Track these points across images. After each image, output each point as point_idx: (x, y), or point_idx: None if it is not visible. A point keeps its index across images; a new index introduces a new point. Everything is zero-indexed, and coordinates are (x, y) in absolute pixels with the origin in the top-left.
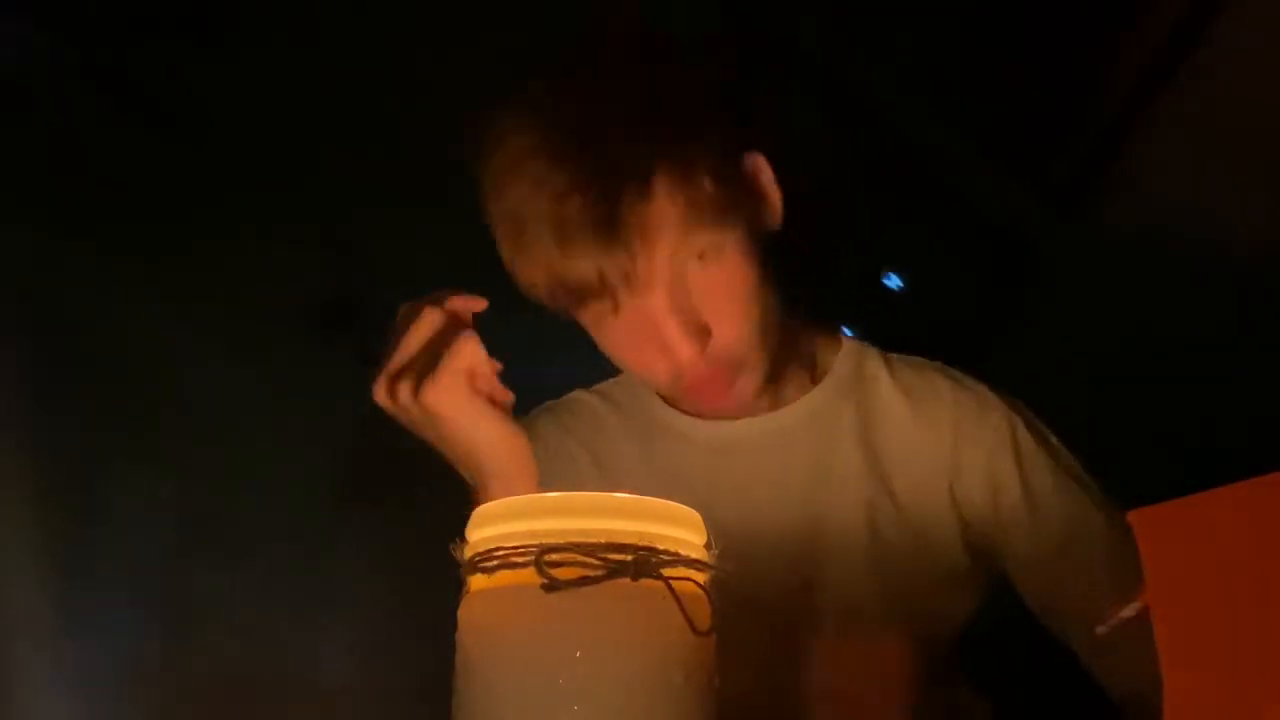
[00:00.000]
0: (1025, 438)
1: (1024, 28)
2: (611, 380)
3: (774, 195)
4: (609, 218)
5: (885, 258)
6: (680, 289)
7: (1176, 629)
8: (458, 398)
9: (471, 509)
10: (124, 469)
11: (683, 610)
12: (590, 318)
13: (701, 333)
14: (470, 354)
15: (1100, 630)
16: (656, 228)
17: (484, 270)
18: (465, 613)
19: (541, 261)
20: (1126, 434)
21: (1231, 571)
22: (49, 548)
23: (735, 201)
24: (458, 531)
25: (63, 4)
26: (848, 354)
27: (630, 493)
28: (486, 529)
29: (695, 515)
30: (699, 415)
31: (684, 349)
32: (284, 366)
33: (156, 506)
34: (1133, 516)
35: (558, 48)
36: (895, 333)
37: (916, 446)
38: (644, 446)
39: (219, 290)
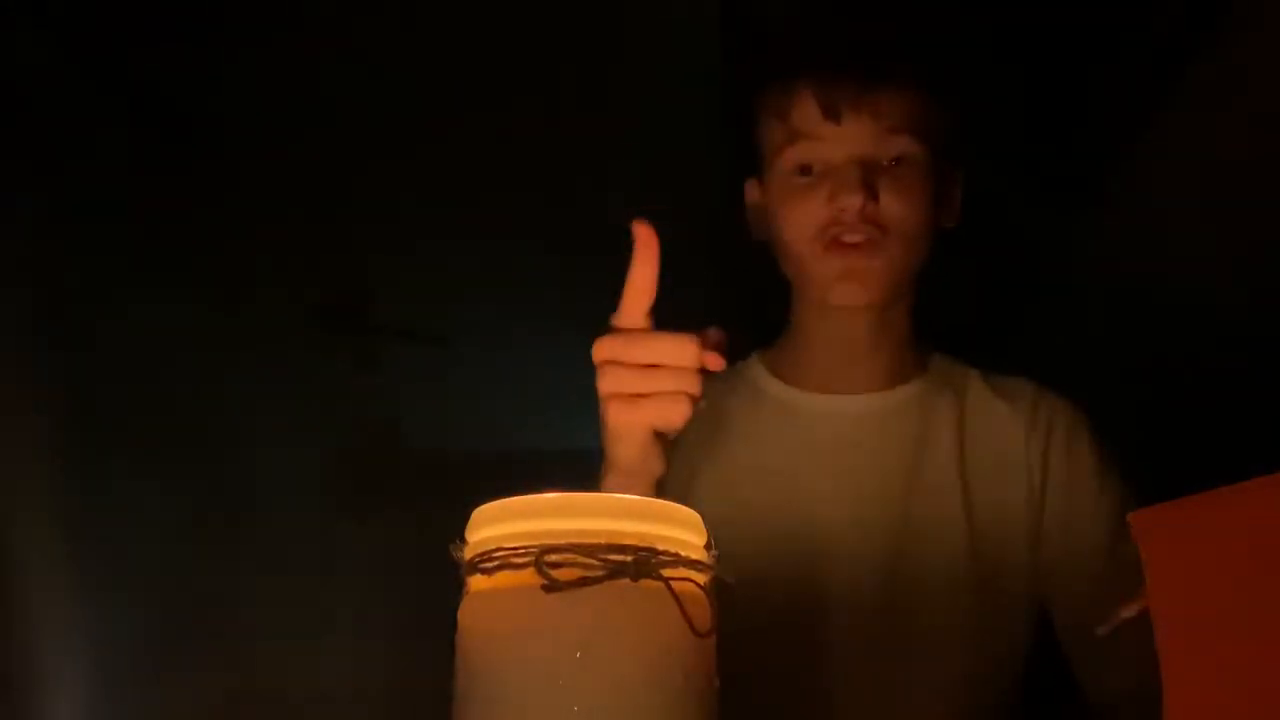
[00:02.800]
0: (1089, 441)
1: (1026, 28)
2: (725, 369)
3: (956, 201)
4: (872, 73)
5: None
6: (872, 164)
7: (1176, 629)
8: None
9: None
10: (124, 468)
11: (683, 611)
12: (785, 164)
13: (873, 192)
14: (611, 379)
15: (1101, 630)
16: (886, 111)
17: (484, 271)
18: (465, 614)
19: (804, 88)
20: (1127, 434)
21: (1231, 571)
22: (50, 547)
23: (940, 151)
24: (458, 532)
25: (63, 5)
26: (941, 358)
27: (737, 467)
28: (486, 530)
29: (695, 516)
30: (835, 296)
31: (855, 195)
32: (284, 367)
33: (158, 507)
34: (1133, 517)
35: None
36: (919, 330)
37: (1010, 438)
38: (757, 424)
39: (220, 291)
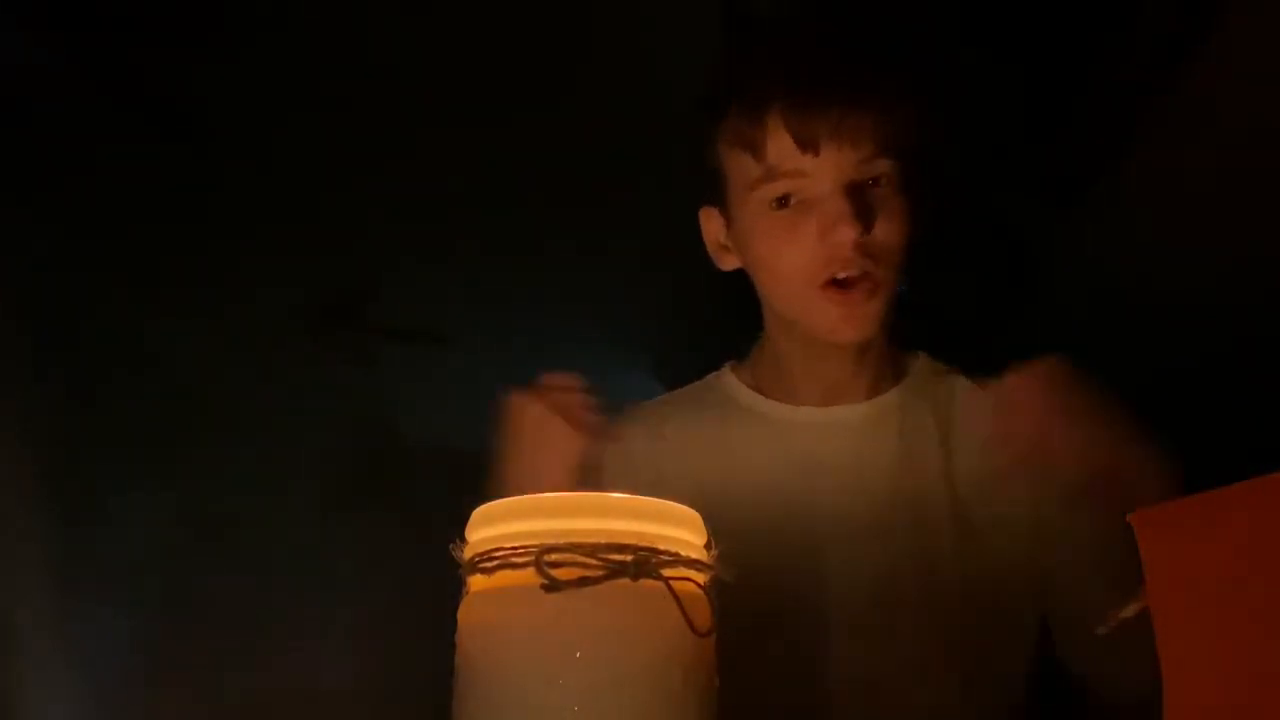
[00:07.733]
0: None
1: (1025, 28)
2: (695, 384)
3: (930, 210)
4: (847, 98)
5: None
6: (858, 189)
7: (1176, 629)
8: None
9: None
10: (124, 468)
11: (682, 610)
12: (760, 198)
13: (868, 221)
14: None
15: (1100, 631)
16: (866, 136)
17: (483, 271)
18: (465, 613)
19: (780, 118)
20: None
21: (1231, 571)
22: (51, 548)
23: (918, 162)
24: (458, 532)
25: (63, 5)
26: (924, 361)
27: (716, 484)
28: (486, 529)
29: (695, 515)
30: (831, 336)
31: (849, 228)
32: (282, 367)
33: (156, 506)
34: (1133, 517)
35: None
36: (896, 333)
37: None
38: (736, 438)
39: (219, 291)
